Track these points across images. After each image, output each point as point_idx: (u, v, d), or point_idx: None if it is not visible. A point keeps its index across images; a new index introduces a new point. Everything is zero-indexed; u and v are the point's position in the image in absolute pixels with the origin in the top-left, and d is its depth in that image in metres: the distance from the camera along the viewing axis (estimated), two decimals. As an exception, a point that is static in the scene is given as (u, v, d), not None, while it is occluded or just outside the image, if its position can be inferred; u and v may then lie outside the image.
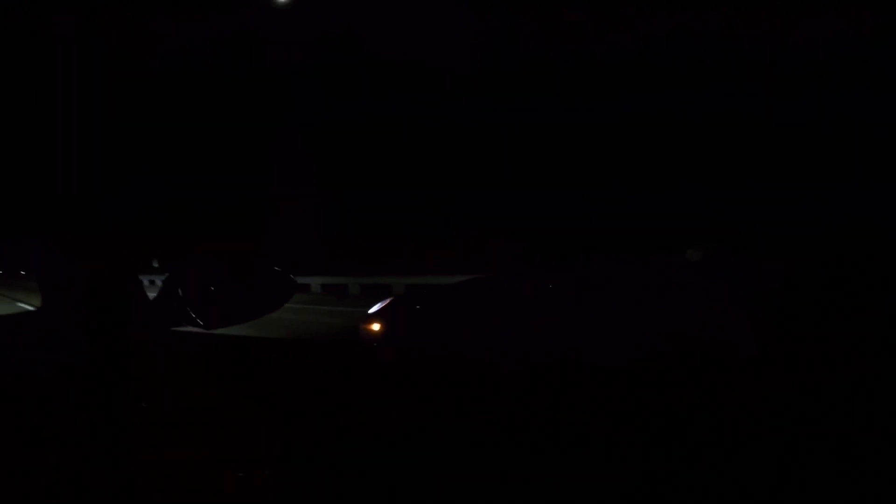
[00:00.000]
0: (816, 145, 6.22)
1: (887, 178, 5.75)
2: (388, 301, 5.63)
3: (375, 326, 5.13)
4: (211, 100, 6.75)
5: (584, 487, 2.30)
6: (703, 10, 6.19)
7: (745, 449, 2.49)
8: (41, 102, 6.43)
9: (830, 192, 5.92)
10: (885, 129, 5.94)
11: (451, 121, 6.80)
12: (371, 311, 5.32)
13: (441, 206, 7.01)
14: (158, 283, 5.15)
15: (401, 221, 7.11)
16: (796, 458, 2.39)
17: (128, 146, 6.44)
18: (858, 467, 2.27)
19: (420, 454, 2.60)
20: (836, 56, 5.99)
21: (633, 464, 2.42)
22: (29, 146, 6.51)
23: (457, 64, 6.59)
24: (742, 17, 6.13)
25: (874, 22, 5.79)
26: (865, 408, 2.79)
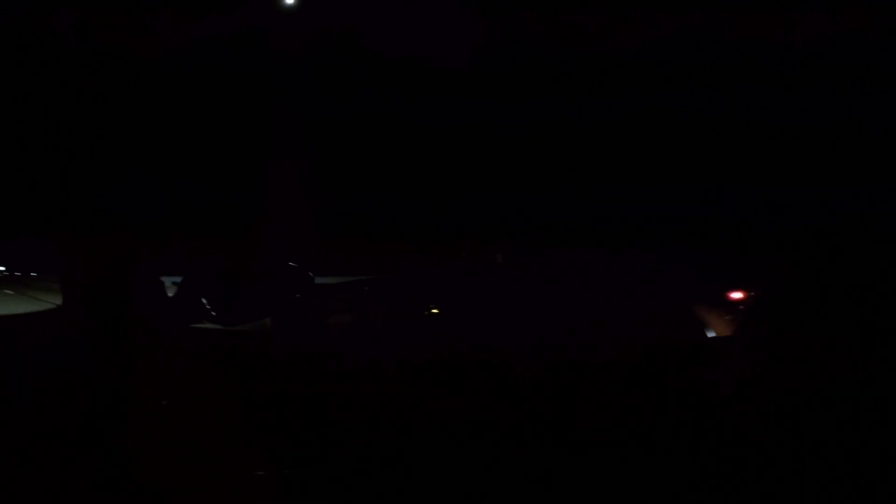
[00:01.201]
0: (816, 145, 6.22)
1: (887, 178, 5.75)
2: None
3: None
4: (210, 99, 6.76)
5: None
6: (705, 11, 6.19)
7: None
8: (41, 101, 6.43)
9: (830, 192, 5.93)
10: (885, 129, 5.94)
11: (450, 121, 6.80)
12: None
13: (441, 206, 7.01)
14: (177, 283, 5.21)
15: (401, 221, 7.11)
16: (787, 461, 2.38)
17: (127, 145, 6.45)
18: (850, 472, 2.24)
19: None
20: (836, 56, 5.99)
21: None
22: (29, 145, 6.51)
23: (457, 64, 6.59)
24: (743, 17, 6.13)
25: (874, 22, 5.79)
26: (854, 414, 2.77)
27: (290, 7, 6.75)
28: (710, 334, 5.03)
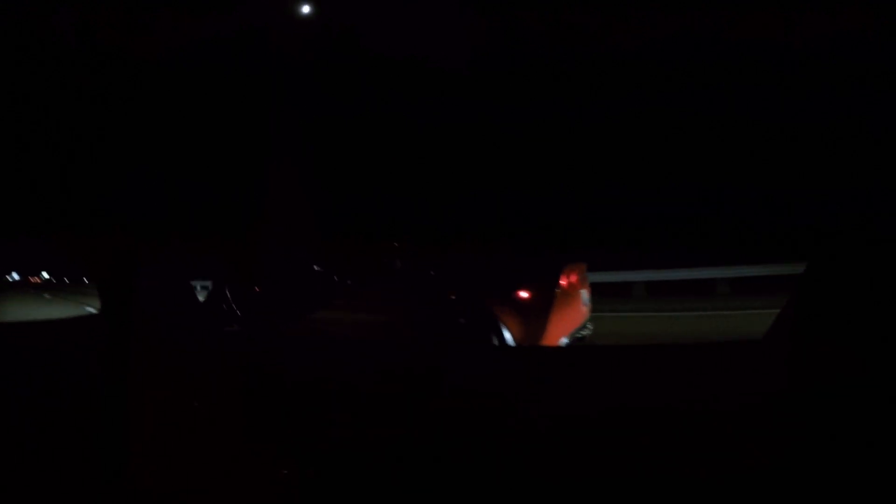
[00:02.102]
0: (816, 145, 6.23)
1: (887, 178, 5.76)
2: None
3: None
4: (210, 99, 6.76)
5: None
6: (705, 11, 6.19)
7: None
8: (42, 101, 6.43)
9: (830, 192, 5.94)
10: (885, 129, 5.95)
11: (450, 121, 6.80)
12: None
13: (441, 206, 7.02)
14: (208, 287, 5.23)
15: (401, 221, 7.12)
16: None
17: (127, 145, 6.45)
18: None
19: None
20: (836, 56, 5.99)
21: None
22: (29, 145, 6.51)
23: (457, 64, 6.59)
24: (743, 17, 6.13)
25: (875, 22, 5.80)
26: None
27: (300, 13, 6.76)
28: (506, 334, 5.15)
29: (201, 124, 6.75)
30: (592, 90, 6.65)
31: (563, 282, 5.38)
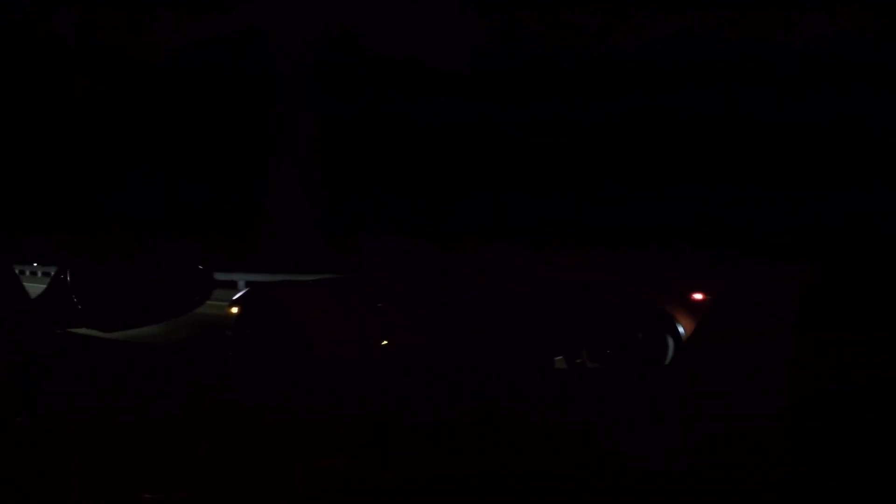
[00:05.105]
0: (816, 145, 6.22)
1: (887, 178, 5.76)
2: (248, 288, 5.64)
3: (234, 310, 5.11)
4: (210, 99, 6.76)
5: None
6: (705, 11, 6.19)
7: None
8: (42, 101, 6.43)
9: (830, 192, 5.93)
10: (885, 129, 5.94)
11: (450, 121, 6.80)
12: (235, 297, 5.35)
13: (441, 206, 7.02)
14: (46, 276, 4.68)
15: (401, 221, 7.11)
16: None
17: (127, 145, 6.45)
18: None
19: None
20: (836, 56, 5.99)
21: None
22: (29, 145, 6.51)
23: (457, 64, 6.59)
24: (743, 17, 6.13)
25: (874, 22, 5.80)
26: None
27: (290, 7, 6.76)
28: (681, 331, 4.85)
29: (201, 124, 6.75)
30: (592, 90, 6.65)
31: None
